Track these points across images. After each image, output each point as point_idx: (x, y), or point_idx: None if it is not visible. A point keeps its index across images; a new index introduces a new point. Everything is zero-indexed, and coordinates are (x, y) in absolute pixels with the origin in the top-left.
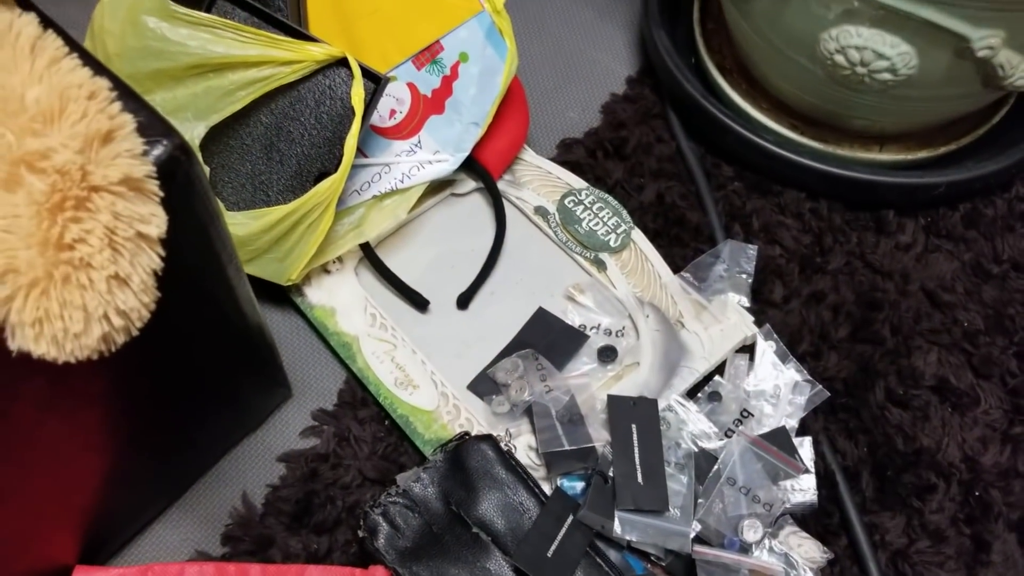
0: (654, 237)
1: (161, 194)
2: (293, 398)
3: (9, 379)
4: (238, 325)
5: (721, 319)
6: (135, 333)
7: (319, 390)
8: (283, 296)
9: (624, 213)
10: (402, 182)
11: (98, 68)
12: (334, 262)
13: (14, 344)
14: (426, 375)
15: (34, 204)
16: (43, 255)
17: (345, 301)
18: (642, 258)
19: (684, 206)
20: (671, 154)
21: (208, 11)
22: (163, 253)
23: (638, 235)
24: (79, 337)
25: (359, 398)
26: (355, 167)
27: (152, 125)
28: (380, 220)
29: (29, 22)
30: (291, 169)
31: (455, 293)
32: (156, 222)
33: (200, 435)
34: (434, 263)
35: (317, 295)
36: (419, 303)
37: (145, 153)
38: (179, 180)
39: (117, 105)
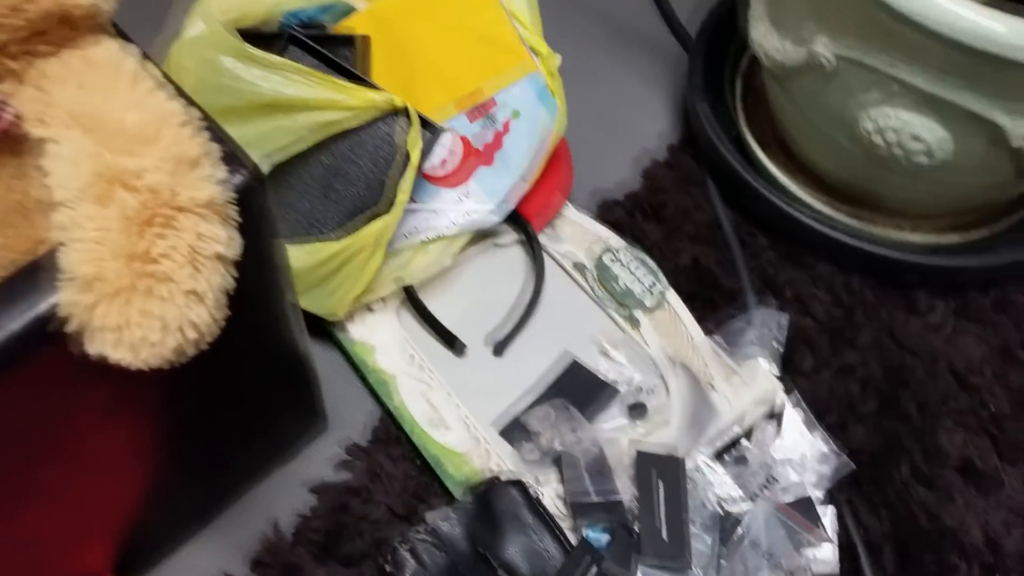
0: (688, 299)
1: (239, 219)
2: (328, 431)
3: (79, 384)
4: (287, 353)
5: (751, 384)
6: (204, 347)
7: (354, 424)
8: (323, 330)
9: (660, 274)
10: (448, 229)
11: (188, 100)
12: (377, 301)
13: (93, 348)
14: (459, 417)
15: (125, 219)
16: (129, 266)
17: (385, 339)
18: (676, 319)
19: (719, 272)
20: (708, 221)
21: (281, 55)
22: (236, 274)
23: (672, 296)
24: (155, 346)
25: (392, 435)
26: (405, 212)
27: (233, 155)
28: (425, 264)
29: (132, 53)
30: (346, 209)
31: (491, 339)
32: (233, 245)
33: (237, 459)
34: (472, 309)
35: (359, 331)
36: (456, 346)
37: (227, 180)
38: (252, 208)
39: (205, 134)
